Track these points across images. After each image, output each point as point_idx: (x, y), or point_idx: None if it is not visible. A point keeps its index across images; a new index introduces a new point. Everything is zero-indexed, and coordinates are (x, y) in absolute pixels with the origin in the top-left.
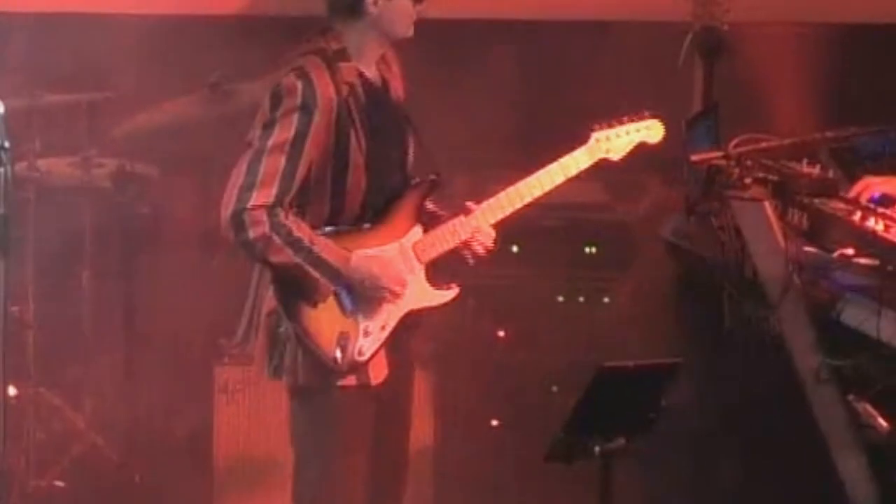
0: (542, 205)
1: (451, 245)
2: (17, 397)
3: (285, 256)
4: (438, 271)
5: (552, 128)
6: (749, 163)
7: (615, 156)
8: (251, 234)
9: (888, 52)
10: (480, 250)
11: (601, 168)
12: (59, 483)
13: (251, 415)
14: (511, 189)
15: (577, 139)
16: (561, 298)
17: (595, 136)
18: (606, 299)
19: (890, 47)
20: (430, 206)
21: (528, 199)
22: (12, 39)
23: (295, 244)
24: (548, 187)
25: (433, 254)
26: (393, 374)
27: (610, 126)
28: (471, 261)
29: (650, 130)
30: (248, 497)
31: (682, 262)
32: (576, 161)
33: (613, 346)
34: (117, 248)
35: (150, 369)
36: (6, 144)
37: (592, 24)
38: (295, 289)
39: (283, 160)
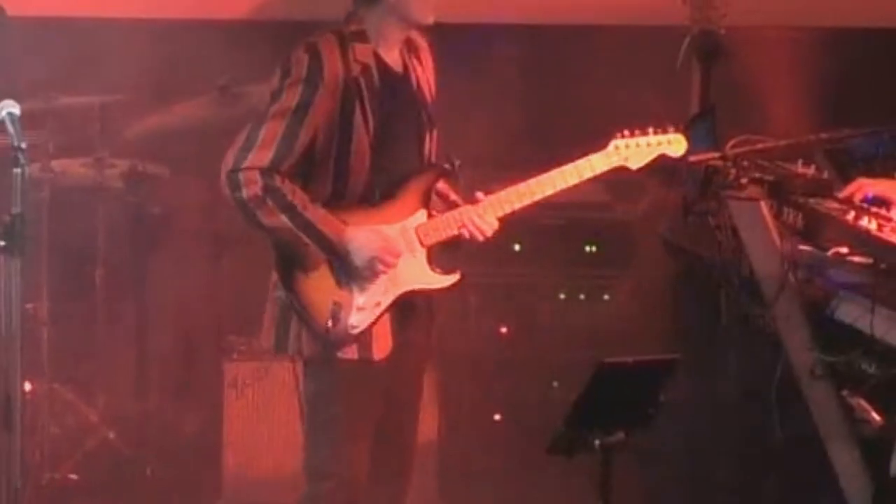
0: (544, 204)
1: (454, 232)
2: (31, 393)
3: (277, 220)
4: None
5: (554, 127)
6: (745, 163)
7: (634, 165)
8: (244, 193)
9: (882, 56)
10: (479, 238)
11: None
12: (73, 476)
13: (260, 409)
14: (522, 185)
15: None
16: (562, 296)
17: (615, 143)
18: (606, 297)
19: (883, 51)
20: (451, 195)
21: (538, 197)
22: (27, 43)
23: (288, 209)
24: (560, 187)
25: (435, 238)
26: (405, 366)
27: (632, 135)
28: (466, 235)
29: (672, 144)
30: (256, 490)
31: (680, 261)
32: (591, 164)
33: (613, 343)
34: (129, 247)
35: (161, 365)
36: (22, 145)
37: (594, 28)
38: (290, 256)
39: (283, 126)
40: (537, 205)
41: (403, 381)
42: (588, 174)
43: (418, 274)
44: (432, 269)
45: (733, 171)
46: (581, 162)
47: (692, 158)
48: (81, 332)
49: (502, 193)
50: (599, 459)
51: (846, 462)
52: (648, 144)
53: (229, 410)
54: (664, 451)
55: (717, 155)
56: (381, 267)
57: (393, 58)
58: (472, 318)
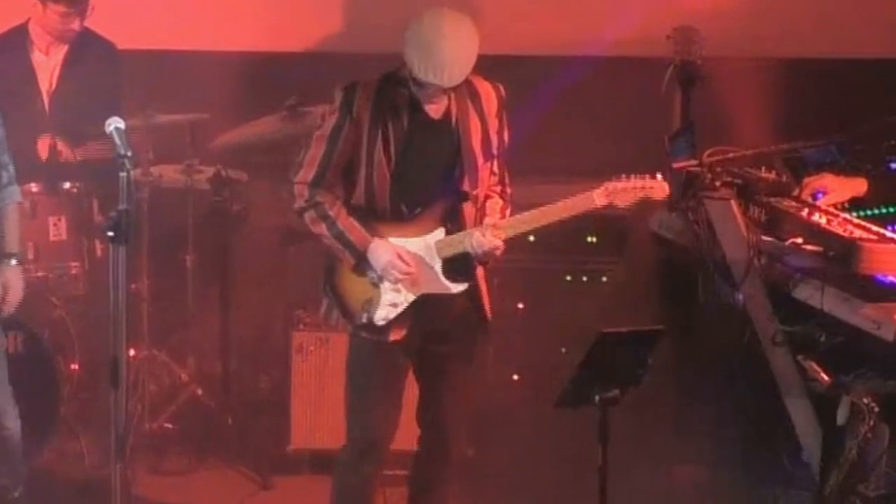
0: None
1: (465, 249)
2: (134, 357)
3: (319, 228)
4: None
5: (557, 145)
6: (719, 170)
7: (622, 204)
8: (296, 204)
9: (830, 81)
10: (486, 259)
11: (601, 172)
12: (168, 425)
13: (321, 370)
14: (527, 214)
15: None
16: (568, 278)
17: (606, 185)
18: (605, 279)
19: (831, 77)
20: (468, 215)
21: (539, 225)
22: (131, 71)
23: (327, 219)
24: (555, 220)
25: (449, 252)
26: (433, 351)
27: (624, 178)
28: (479, 260)
29: (654, 189)
30: (319, 437)
31: (665, 249)
32: (587, 201)
33: (610, 316)
34: (214, 237)
35: (241, 333)
36: (127, 154)
37: (592, 59)
38: (334, 258)
39: (322, 148)
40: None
41: (429, 363)
42: (581, 210)
43: (434, 281)
44: (446, 278)
45: (709, 175)
46: (578, 198)
47: (675, 166)
48: (175, 307)
49: (505, 221)
50: (599, 411)
51: (801, 414)
52: (634, 188)
53: (296, 371)
54: (651, 403)
55: (695, 163)
56: (393, 274)
57: (433, 104)
58: (495, 296)
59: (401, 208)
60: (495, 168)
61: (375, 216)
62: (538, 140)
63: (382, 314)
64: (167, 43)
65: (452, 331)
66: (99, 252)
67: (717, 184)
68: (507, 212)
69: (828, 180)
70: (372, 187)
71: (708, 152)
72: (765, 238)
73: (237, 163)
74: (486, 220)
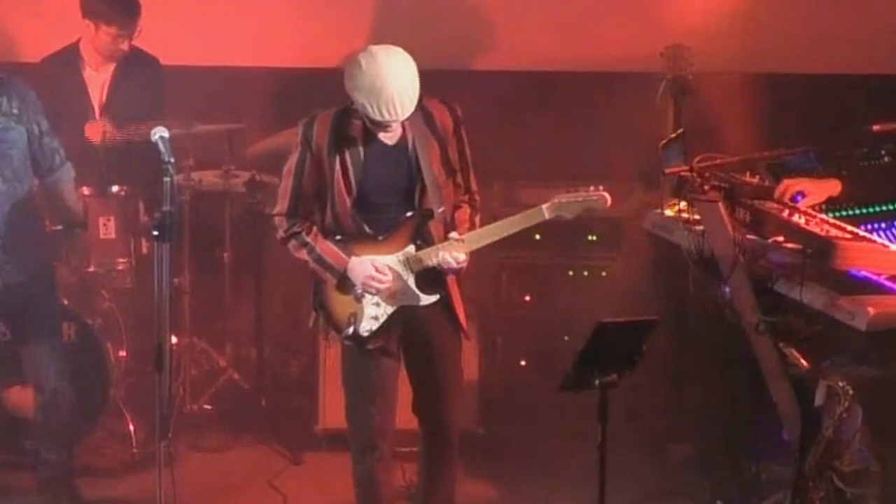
0: None
1: (433, 263)
2: (177, 344)
3: (301, 254)
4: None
5: (562, 152)
6: (707, 174)
7: (569, 215)
8: (279, 234)
9: (807, 94)
10: (454, 267)
11: (601, 175)
12: (207, 406)
13: None
14: (484, 229)
15: (582, 161)
16: (571, 272)
17: (556, 198)
18: (604, 273)
19: (808, 90)
20: (435, 230)
21: (495, 238)
22: (174, 85)
23: (306, 246)
24: (511, 231)
25: (419, 267)
26: (417, 354)
27: (568, 192)
28: (447, 272)
29: (597, 201)
30: (342, 416)
31: (659, 247)
32: (538, 214)
33: (608, 307)
34: (248, 236)
35: (273, 323)
36: (171, 160)
37: (592, 74)
38: (320, 280)
39: (291, 180)
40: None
41: (414, 365)
42: (534, 222)
43: (407, 293)
44: (419, 290)
45: (698, 180)
46: (530, 211)
47: (667, 171)
48: (213, 299)
49: (468, 235)
50: (598, 394)
51: (782, 396)
52: (577, 200)
53: (323, 357)
54: (646, 387)
55: (686, 168)
56: (372, 287)
57: (387, 133)
58: (504, 289)
59: (364, 229)
60: (459, 180)
61: (347, 238)
62: (544, 148)
63: (366, 326)
64: (206, 60)
65: (431, 336)
66: (145, 249)
67: (706, 187)
68: (477, 218)
69: (806, 184)
70: (336, 211)
71: (697, 158)
72: (749, 237)
73: (270, 168)
74: (451, 235)
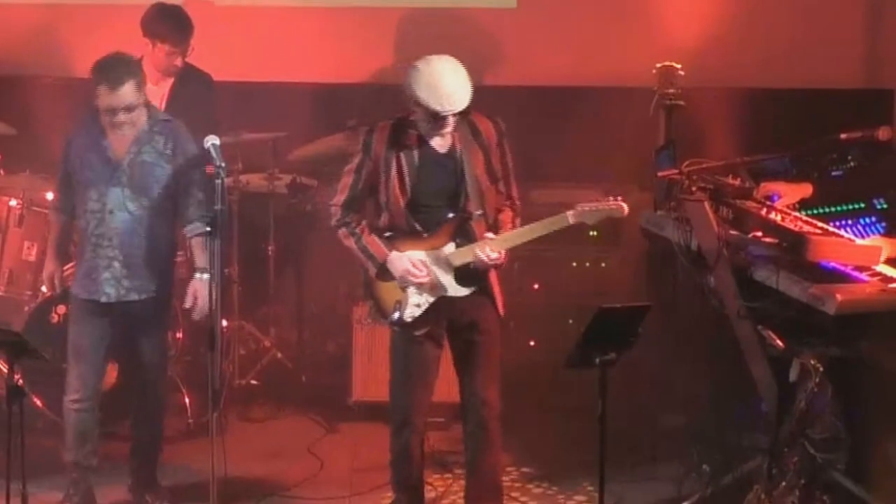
0: (563, 204)
1: (470, 259)
2: (227, 327)
3: (349, 242)
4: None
5: (565, 158)
6: (695, 177)
7: (590, 221)
8: (332, 221)
9: (785, 107)
10: (487, 263)
11: (600, 176)
12: (254, 381)
13: (376, 338)
14: (516, 231)
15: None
16: (574, 264)
17: (579, 206)
18: (604, 265)
19: (786, 103)
20: (478, 230)
21: (524, 240)
22: (224, 98)
23: (354, 235)
24: (539, 234)
25: (459, 262)
26: (456, 337)
27: (591, 201)
28: (482, 267)
29: (614, 210)
30: (372, 390)
31: (652, 241)
32: (563, 220)
33: (607, 295)
34: (291, 232)
35: (312, 308)
36: (222, 164)
37: (594, 89)
38: (360, 264)
39: (351, 178)
40: (558, 204)
41: (458, 350)
42: (558, 227)
43: (448, 286)
44: (457, 283)
45: (687, 182)
46: (556, 217)
47: (659, 174)
48: (259, 287)
49: (500, 236)
50: (598, 371)
51: (760, 373)
52: (599, 209)
53: (356, 338)
54: (641, 365)
55: (676, 172)
56: (409, 280)
57: (439, 141)
58: (516, 278)
59: (416, 227)
60: (501, 188)
61: (398, 234)
62: (552, 154)
63: (409, 313)
64: (253, 75)
65: (473, 323)
66: None
67: (694, 189)
68: (517, 221)
69: (782, 186)
70: (391, 212)
71: (686, 163)
72: (732, 232)
73: (309, 172)
74: (487, 236)
